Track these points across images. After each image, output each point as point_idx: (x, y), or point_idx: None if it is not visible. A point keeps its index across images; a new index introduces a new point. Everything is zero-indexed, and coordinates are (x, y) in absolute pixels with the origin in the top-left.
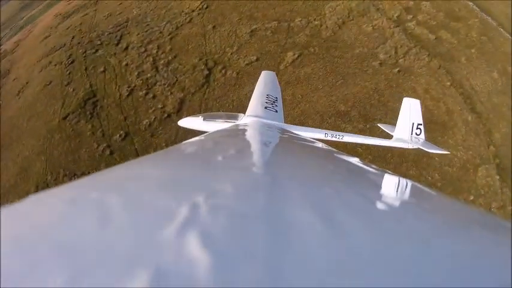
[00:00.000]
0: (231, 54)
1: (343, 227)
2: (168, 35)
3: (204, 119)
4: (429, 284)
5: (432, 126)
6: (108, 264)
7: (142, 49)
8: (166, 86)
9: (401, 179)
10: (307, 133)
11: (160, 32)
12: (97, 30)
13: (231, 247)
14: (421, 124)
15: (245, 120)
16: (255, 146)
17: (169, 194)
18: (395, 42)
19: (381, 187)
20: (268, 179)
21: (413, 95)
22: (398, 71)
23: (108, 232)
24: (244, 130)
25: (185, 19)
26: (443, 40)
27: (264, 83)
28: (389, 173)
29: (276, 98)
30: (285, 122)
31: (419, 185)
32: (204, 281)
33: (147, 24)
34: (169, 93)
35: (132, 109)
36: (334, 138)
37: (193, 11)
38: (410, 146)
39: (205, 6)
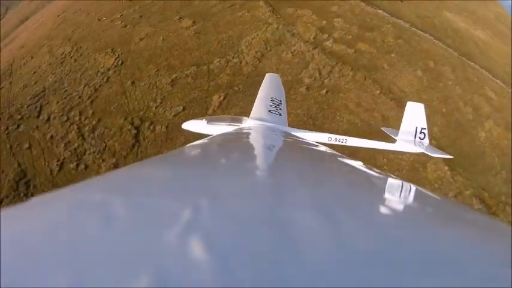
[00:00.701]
0: (156, 108)
1: (347, 230)
2: (88, 99)
3: (208, 122)
4: (430, 285)
5: (373, 136)
6: (111, 266)
7: (65, 118)
8: (96, 153)
9: (404, 183)
10: (312, 137)
11: (80, 97)
12: (15, 104)
13: (234, 250)
14: (425, 128)
15: (249, 123)
16: (258, 150)
17: (173, 197)
18: (317, 64)
19: (384, 191)
20: (272, 182)
21: (347, 111)
22: (326, 92)
23: (112, 234)
24: (248, 134)
25: (102, 79)
26: (362, 52)
27: (268, 86)
28: (392, 177)
29: (280, 101)
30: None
31: (422, 189)
32: (207, 284)
33: (65, 90)
34: (101, 160)
35: (66, 184)
36: (338, 142)
37: (108, 69)
38: (413, 150)
39: (120, 62)
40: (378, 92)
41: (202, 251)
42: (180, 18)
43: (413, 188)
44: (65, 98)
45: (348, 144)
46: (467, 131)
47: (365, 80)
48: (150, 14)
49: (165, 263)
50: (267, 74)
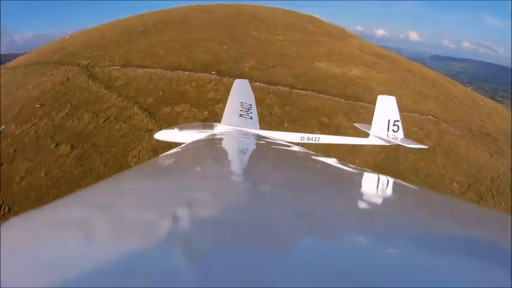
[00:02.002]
0: None
1: (326, 226)
2: None
3: (179, 130)
4: (418, 281)
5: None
6: (93, 281)
7: None
8: None
9: (381, 176)
10: (284, 137)
11: None
12: None
13: (215, 255)
14: (398, 121)
15: (220, 129)
16: (232, 154)
17: (151, 208)
18: None
19: (360, 185)
20: (247, 185)
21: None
22: None
23: (92, 249)
24: (221, 139)
25: None
26: None
27: (238, 91)
28: (368, 172)
29: (250, 105)
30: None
31: (398, 181)
32: None
33: None
34: None
35: None
36: (310, 141)
37: None
38: (387, 143)
39: (6, 209)
40: None
41: (183, 259)
42: (57, 145)
43: (391, 180)
44: None
45: (320, 142)
46: (387, 169)
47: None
48: (24, 146)
49: (148, 273)
50: (236, 80)
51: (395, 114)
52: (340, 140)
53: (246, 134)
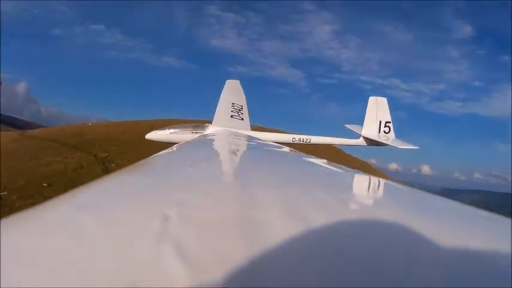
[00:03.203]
0: None
1: (317, 228)
2: None
3: (171, 132)
4: (409, 285)
5: None
6: (82, 283)
7: None
8: None
9: (372, 177)
10: (275, 138)
11: None
12: None
13: (206, 257)
14: (389, 122)
15: (212, 129)
16: (223, 155)
17: (141, 208)
18: None
19: (352, 186)
20: (239, 185)
21: None
22: None
23: (81, 251)
24: (212, 140)
25: None
26: None
27: (229, 92)
28: (358, 172)
29: (241, 106)
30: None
31: (390, 182)
32: None
33: None
34: None
35: None
36: (301, 142)
37: None
38: (379, 144)
39: None
40: None
41: (175, 261)
42: None
43: (382, 181)
44: None
45: (311, 142)
46: None
47: None
48: None
49: (139, 275)
50: (227, 81)
51: (386, 116)
52: (332, 141)
53: (237, 135)
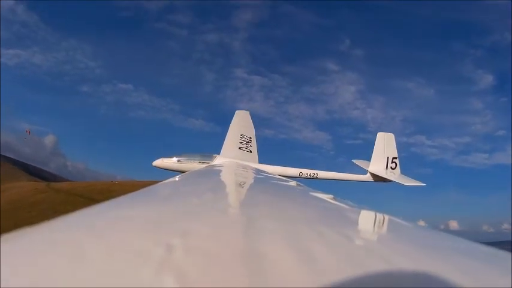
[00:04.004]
0: None
1: (321, 264)
2: None
3: (178, 160)
4: None
5: None
6: None
7: None
8: None
9: (377, 213)
10: (282, 172)
11: None
12: None
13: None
14: (396, 158)
15: (219, 161)
16: (230, 187)
17: (145, 236)
18: None
19: (357, 223)
20: (244, 219)
21: None
22: None
23: (82, 274)
24: (219, 171)
25: None
26: None
27: (238, 123)
28: (365, 209)
29: (250, 138)
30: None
31: (395, 219)
32: None
33: None
34: None
35: None
36: (309, 177)
37: None
38: (384, 180)
39: None
40: None
41: None
42: None
43: (387, 218)
44: None
45: (319, 177)
46: None
47: None
48: None
49: None
50: (236, 111)
51: (393, 151)
52: (339, 176)
53: (245, 167)
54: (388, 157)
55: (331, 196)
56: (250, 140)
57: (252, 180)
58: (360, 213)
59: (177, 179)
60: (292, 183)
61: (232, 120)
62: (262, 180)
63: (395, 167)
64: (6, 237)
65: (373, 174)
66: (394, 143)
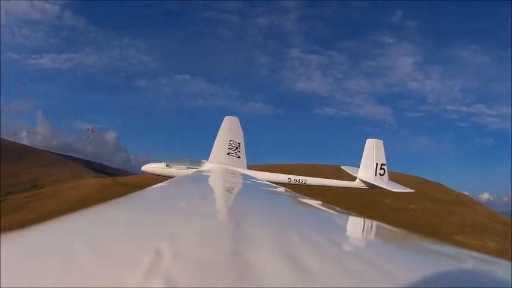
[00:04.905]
0: None
1: (309, 270)
2: None
3: (167, 165)
4: None
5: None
6: None
7: None
8: None
9: (366, 220)
10: (271, 178)
11: None
12: None
13: None
14: (384, 164)
15: (208, 166)
16: (218, 193)
17: (134, 240)
18: None
19: (345, 229)
20: (232, 224)
21: None
22: None
23: (71, 279)
24: (208, 176)
25: None
26: None
27: (227, 129)
28: (352, 215)
29: (239, 143)
30: (248, 167)
31: (383, 224)
32: None
33: None
34: None
35: None
36: (297, 183)
37: None
38: (373, 187)
39: None
40: None
41: None
42: None
43: (375, 223)
44: None
45: (307, 183)
46: None
47: None
48: None
49: None
50: (225, 117)
51: (382, 158)
52: (327, 183)
53: (234, 173)
54: (377, 163)
55: (319, 202)
56: (239, 146)
57: (240, 186)
58: (348, 219)
59: (165, 183)
60: (281, 189)
61: (221, 126)
62: (250, 186)
63: (384, 173)
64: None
65: (362, 181)
66: (383, 149)
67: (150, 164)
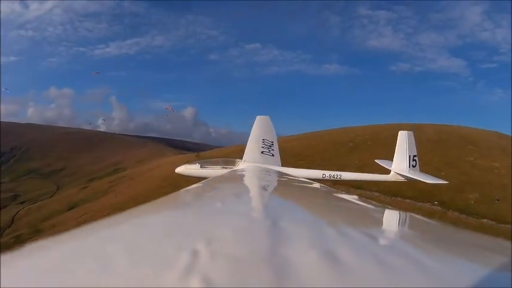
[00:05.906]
0: None
1: (346, 265)
2: None
3: (201, 166)
4: None
5: None
6: None
7: None
8: None
9: (401, 212)
10: (306, 174)
11: None
12: None
13: None
14: (416, 155)
15: (242, 165)
16: (253, 191)
17: (170, 241)
18: None
19: (381, 223)
20: (268, 222)
21: None
22: None
23: (108, 281)
24: (242, 176)
25: None
26: None
27: (259, 128)
28: (389, 208)
29: (272, 142)
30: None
31: (419, 217)
32: None
33: None
34: None
35: None
36: (332, 178)
37: None
38: (408, 179)
39: None
40: None
41: None
42: None
43: (410, 216)
44: None
45: (342, 178)
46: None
47: None
48: None
49: None
50: (257, 117)
51: (413, 149)
52: (362, 177)
53: (268, 170)
54: (409, 156)
55: (355, 197)
56: (272, 144)
57: (275, 184)
58: (384, 212)
59: (200, 184)
60: (316, 184)
61: (254, 126)
62: (285, 183)
63: (416, 165)
64: (37, 245)
65: (396, 174)
66: (413, 141)
67: (184, 165)
